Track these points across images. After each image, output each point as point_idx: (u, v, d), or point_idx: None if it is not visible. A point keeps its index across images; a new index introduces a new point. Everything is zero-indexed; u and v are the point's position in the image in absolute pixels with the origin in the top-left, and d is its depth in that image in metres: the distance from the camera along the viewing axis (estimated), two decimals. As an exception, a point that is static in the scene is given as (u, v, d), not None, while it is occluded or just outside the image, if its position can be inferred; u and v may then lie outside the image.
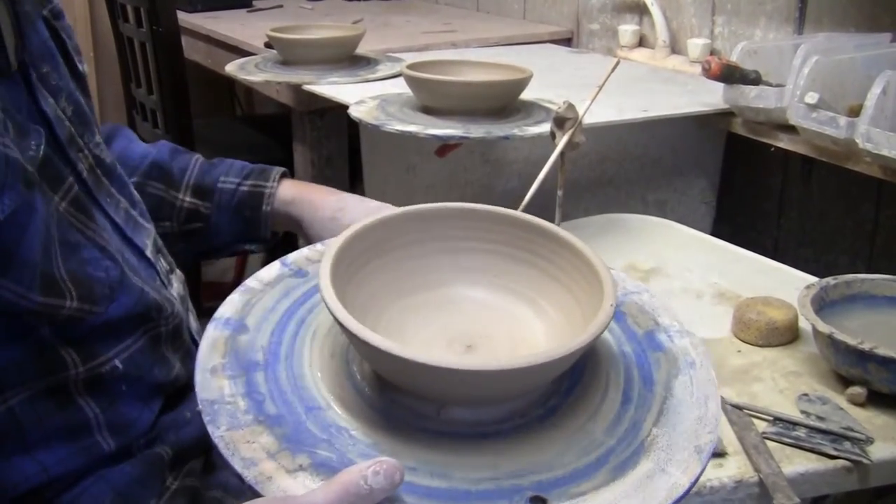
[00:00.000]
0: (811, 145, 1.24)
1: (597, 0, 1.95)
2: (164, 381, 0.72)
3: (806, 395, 0.82)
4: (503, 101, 1.19)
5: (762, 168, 1.66)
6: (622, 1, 1.88)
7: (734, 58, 1.30)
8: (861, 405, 0.80)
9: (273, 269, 0.65)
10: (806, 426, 0.77)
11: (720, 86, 1.32)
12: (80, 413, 0.65)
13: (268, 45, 1.71)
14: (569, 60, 1.79)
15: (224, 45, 2.02)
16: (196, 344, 0.72)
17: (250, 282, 0.63)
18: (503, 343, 0.60)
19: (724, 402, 0.81)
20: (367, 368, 0.56)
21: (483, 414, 0.53)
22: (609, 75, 0.93)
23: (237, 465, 0.48)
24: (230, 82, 2.97)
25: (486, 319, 0.62)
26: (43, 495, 0.64)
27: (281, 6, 2.46)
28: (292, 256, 0.67)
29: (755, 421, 0.78)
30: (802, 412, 0.80)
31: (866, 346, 0.79)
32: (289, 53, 1.59)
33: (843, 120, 1.11)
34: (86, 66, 0.76)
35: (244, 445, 0.49)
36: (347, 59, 1.59)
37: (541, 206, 0.91)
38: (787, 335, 0.92)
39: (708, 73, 1.25)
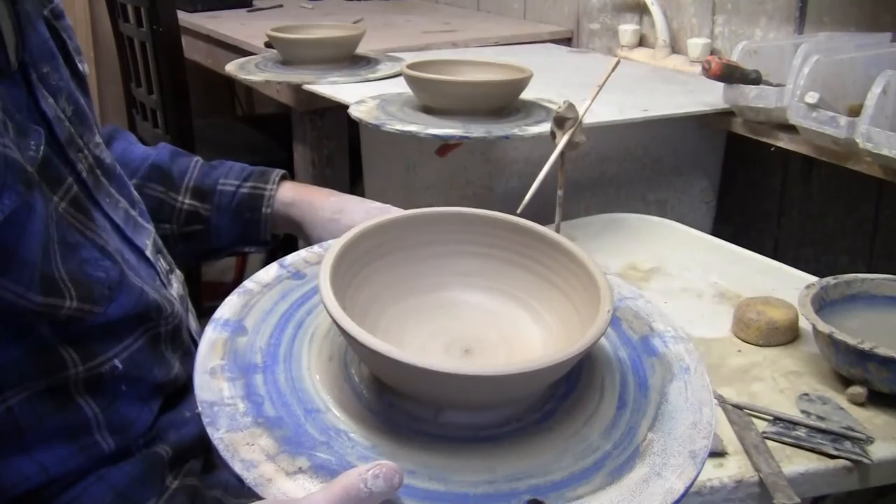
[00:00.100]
0: (811, 145, 1.24)
1: (597, 0, 1.95)
2: (164, 381, 0.72)
3: (806, 394, 0.82)
4: (503, 101, 1.19)
5: (762, 168, 1.66)
6: (622, 0, 1.88)
7: (734, 57, 1.30)
8: (861, 405, 0.80)
9: (271, 270, 0.65)
10: (806, 426, 0.77)
11: (720, 85, 1.32)
12: (79, 413, 0.65)
13: (268, 45, 1.71)
14: (569, 60, 1.79)
15: (224, 44, 2.02)
16: (196, 344, 0.72)
17: (248, 283, 0.63)
18: (500, 347, 0.61)
19: (724, 401, 0.81)
20: (365, 371, 0.56)
21: (480, 418, 0.54)
22: (609, 75, 0.93)
23: (237, 468, 0.48)
24: (230, 82, 2.97)
25: (484, 324, 0.62)
26: (42, 495, 0.64)
27: (281, 6, 2.46)
28: (290, 258, 0.67)
29: (755, 420, 0.78)
30: (803, 412, 0.80)
31: (866, 346, 0.79)
32: (289, 53, 1.59)
33: (843, 120, 1.11)
34: (86, 67, 0.76)
35: (244, 447, 0.49)
36: (348, 58, 1.59)
37: (541, 205, 0.91)
38: (787, 335, 0.92)
39: (708, 72, 1.25)
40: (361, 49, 1.63)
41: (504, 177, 1.37)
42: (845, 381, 0.83)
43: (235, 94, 3.13)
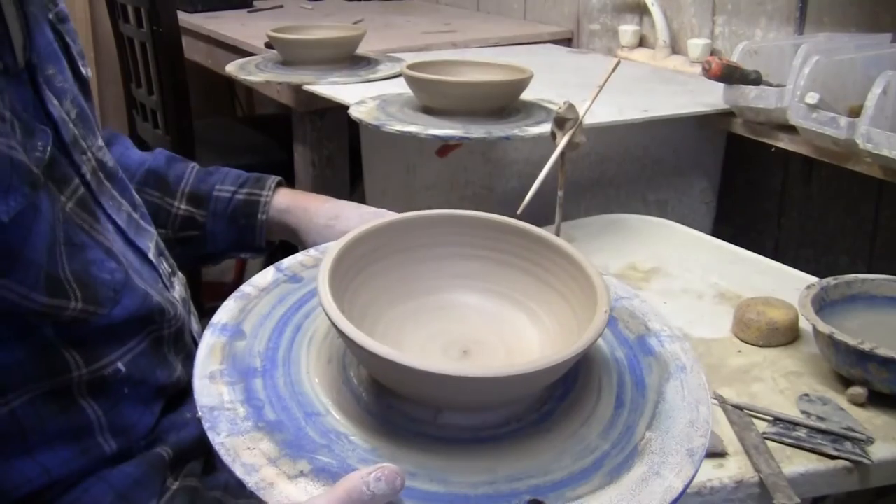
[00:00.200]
0: (811, 145, 1.24)
1: (597, 0, 1.95)
2: (166, 384, 0.72)
3: (806, 395, 0.82)
4: (504, 102, 1.19)
5: (762, 168, 1.66)
6: (622, 1, 1.88)
7: (735, 58, 1.30)
8: (861, 405, 0.81)
9: (268, 274, 0.65)
10: (806, 426, 0.77)
11: (720, 86, 1.32)
12: (82, 415, 0.65)
13: (268, 46, 1.71)
14: (569, 61, 1.79)
15: (224, 45, 2.02)
16: (197, 346, 0.72)
17: (245, 287, 0.63)
18: (498, 349, 0.61)
19: (724, 402, 0.81)
20: (363, 374, 0.57)
21: (479, 419, 0.54)
22: (609, 75, 0.93)
23: (239, 472, 0.48)
24: (230, 83, 2.97)
25: (482, 325, 0.63)
26: (44, 497, 0.64)
27: (281, 6, 2.46)
28: (287, 262, 0.67)
29: (755, 421, 0.78)
30: (803, 412, 0.80)
31: (867, 347, 0.79)
32: (289, 54, 1.59)
33: (843, 120, 1.12)
34: (89, 71, 0.76)
35: (245, 452, 0.50)
36: (348, 59, 1.59)
37: (541, 206, 0.91)
38: (787, 335, 0.92)
39: (708, 73, 1.25)
40: (362, 50, 1.63)
41: (504, 177, 1.37)
42: (845, 382, 0.83)
43: (235, 95, 3.13)
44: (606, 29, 1.94)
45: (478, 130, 1.11)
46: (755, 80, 1.27)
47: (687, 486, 0.51)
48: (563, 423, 0.55)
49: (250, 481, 0.48)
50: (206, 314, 0.63)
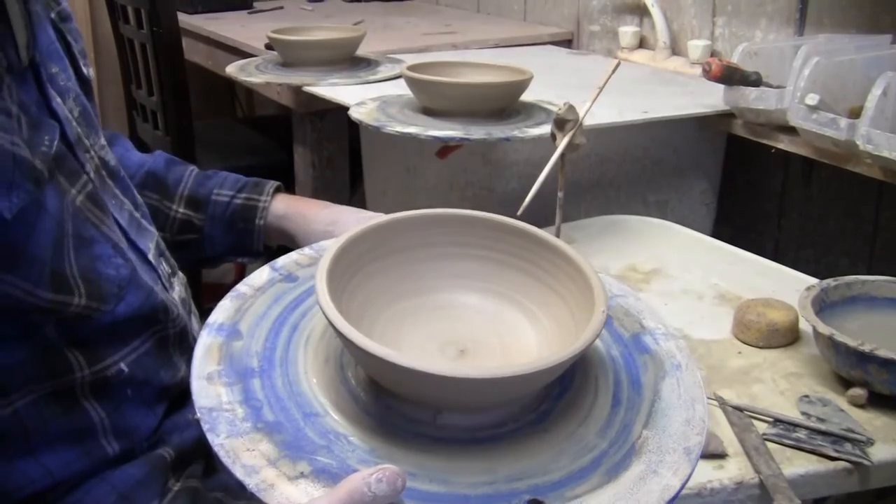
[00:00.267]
0: (812, 147, 1.24)
1: (597, 1, 1.95)
2: (170, 384, 0.72)
3: (806, 396, 0.82)
4: (504, 103, 1.19)
5: (762, 169, 1.66)
6: (623, 2, 1.88)
7: (735, 59, 1.30)
8: (861, 406, 0.80)
9: (263, 273, 0.65)
10: (806, 428, 0.77)
11: (721, 87, 1.32)
12: (85, 417, 0.65)
13: (268, 47, 1.71)
14: (569, 62, 1.79)
15: (224, 46, 2.02)
16: None
17: (241, 287, 0.63)
18: (495, 348, 0.61)
19: (724, 403, 0.81)
20: (361, 374, 0.57)
21: (478, 419, 0.54)
22: (609, 77, 0.93)
23: (239, 473, 0.48)
24: (231, 84, 2.97)
25: (479, 325, 0.63)
26: (46, 498, 0.64)
27: (281, 8, 2.46)
28: (282, 261, 0.67)
29: (756, 422, 0.78)
30: (803, 413, 0.80)
31: (867, 348, 0.79)
32: (289, 55, 1.59)
33: (843, 121, 1.12)
34: (91, 70, 0.76)
35: (245, 453, 0.49)
36: (348, 60, 1.59)
37: (541, 207, 0.91)
38: (787, 336, 0.92)
39: (708, 74, 1.26)
40: (362, 51, 1.63)
41: (504, 178, 1.37)
42: (845, 383, 0.83)
43: (236, 96, 3.13)
44: (606, 30, 1.94)
45: (478, 132, 1.11)
46: (755, 81, 1.27)
47: (684, 485, 0.51)
48: (561, 423, 0.55)
49: (251, 483, 0.48)
50: (206, 315, 0.63)
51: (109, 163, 0.74)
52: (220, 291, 0.63)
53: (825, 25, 1.46)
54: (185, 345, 0.75)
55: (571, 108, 0.94)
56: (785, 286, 1.02)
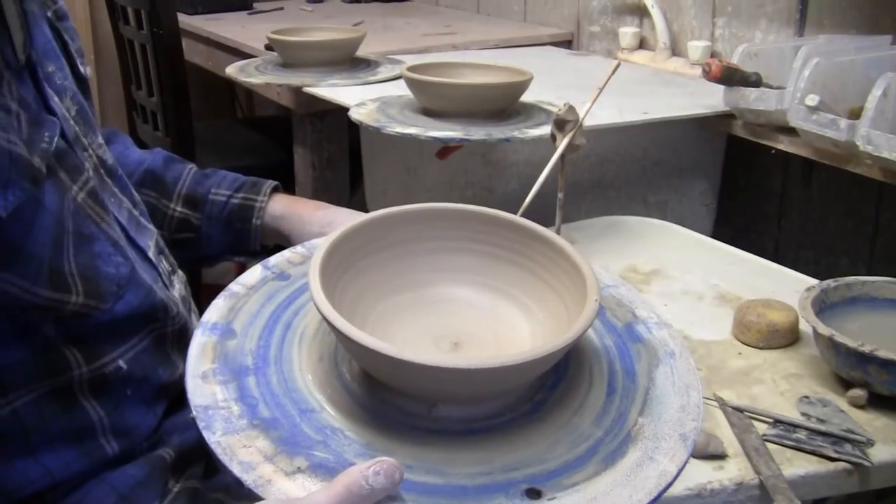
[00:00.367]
0: (812, 147, 1.24)
1: (597, 2, 1.95)
2: (169, 383, 0.72)
3: (806, 397, 0.82)
4: (504, 104, 1.19)
5: (763, 170, 1.66)
6: (623, 3, 1.88)
7: (735, 60, 1.30)
8: (861, 407, 0.80)
9: (255, 272, 0.66)
10: (806, 428, 0.77)
11: (721, 88, 1.32)
12: (84, 416, 0.65)
13: (268, 48, 1.71)
14: (569, 62, 1.79)
15: (224, 47, 2.02)
16: None
17: (234, 286, 0.64)
18: (488, 340, 0.61)
19: (724, 404, 0.81)
20: (356, 369, 0.57)
21: (473, 411, 0.54)
22: (609, 77, 0.93)
23: (236, 470, 0.48)
24: (231, 84, 2.97)
25: (472, 318, 0.63)
26: (46, 499, 0.64)
27: (281, 8, 2.46)
28: (274, 259, 0.67)
29: (756, 423, 0.78)
30: (803, 414, 0.80)
31: (867, 349, 0.79)
32: (289, 56, 1.59)
33: (843, 122, 1.12)
34: (88, 69, 0.76)
35: (241, 450, 0.50)
36: (348, 61, 1.59)
37: (541, 207, 0.91)
38: (787, 337, 0.92)
39: (708, 75, 1.26)
40: (362, 51, 1.63)
41: (504, 179, 1.37)
42: (845, 384, 0.83)
43: (236, 97, 3.13)
44: (606, 31, 1.94)
45: (478, 132, 1.11)
46: (755, 82, 1.27)
47: (681, 470, 0.51)
48: (556, 413, 0.55)
49: (248, 479, 0.48)
50: (205, 314, 0.63)
51: (107, 161, 0.74)
52: (219, 291, 0.63)
53: (825, 26, 1.46)
54: (184, 343, 0.75)
55: (571, 108, 0.94)
56: (785, 287, 1.02)
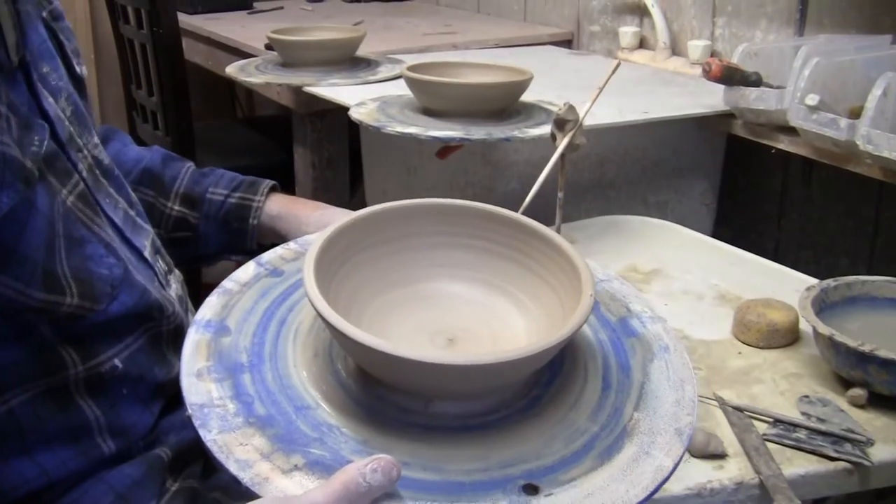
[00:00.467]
0: (812, 147, 1.24)
1: (597, 2, 1.95)
2: (165, 381, 0.72)
3: (806, 396, 0.82)
4: (504, 103, 1.19)
5: (763, 170, 1.66)
6: (623, 3, 1.88)
7: (735, 59, 1.30)
8: (861, 407, 0.80)
9: (249, 269, 0.66)
10: (806, 428, 0.77)
11: (721, 87, 1.32)
12: (80, 414, 0.65)
13: (268, 47, 1.71)
14: (569, 62, 1.79)
15: (224, 46, 2.02)
16: None
17: (227, 283, 0.64)
18: (484, 337, 0.61)
19: (724, 403, 0.81)
20: (351, 366, 0.57)
21: (469, 407, 0.54)
22: (609, 77, 0.93)
23: (232, 468, 0.48)
24: (231, 84, 2.97)
25: (467, 313, 0.63)
26: (42, 498, 0.64)
27: (281, 8, 2.46)
28: (267, 256, 0.67)
29: (756, 423, 0.78)
30: (803, 414, 0.79)
31: (867, 348, 0.79)
32: (289, 55, 1.59)
33: (843, 122, 1.11)
34: (84, 69, 0.76)
35: (238, 448, 0.50)
36: (348, 60, 1.59)
37: (541, 207, 0.91)
38: (787, 337, 0.92)
39: (708, 74, 1.25)
40: (362, 51, 1.63)
41: (504, 179, 1.37)
42: (845, 383, 0.83)
43: (236, 96, 3.13)
44: (606, 30, 1.94)
45: (478, 132, 1.11)
46: (755, 81, 1.27)
47: (677, 465, 0.51)
48: (552, 408, 0.55)
49: (244, 477, 0.48)
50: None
51: (103, 161, 0.74)
52: (218, 291, 0.63)
53: (825, 26, 1.46)
54: (181, 342, 0.75)
55: (571, 108, 0.94)
56: (785, 286, 1.02)
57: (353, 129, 1.67)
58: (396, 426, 0.53)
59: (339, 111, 1.47)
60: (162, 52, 1.91)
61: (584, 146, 0.96)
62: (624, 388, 0.57)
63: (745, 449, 0.75)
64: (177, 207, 0.93)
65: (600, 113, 1.20)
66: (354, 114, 1.20)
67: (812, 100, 1.14)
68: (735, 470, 0.73)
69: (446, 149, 1.24)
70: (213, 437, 0.50)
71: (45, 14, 0.71)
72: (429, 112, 1.20)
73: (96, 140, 0.74)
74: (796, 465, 0.74)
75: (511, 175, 1.37)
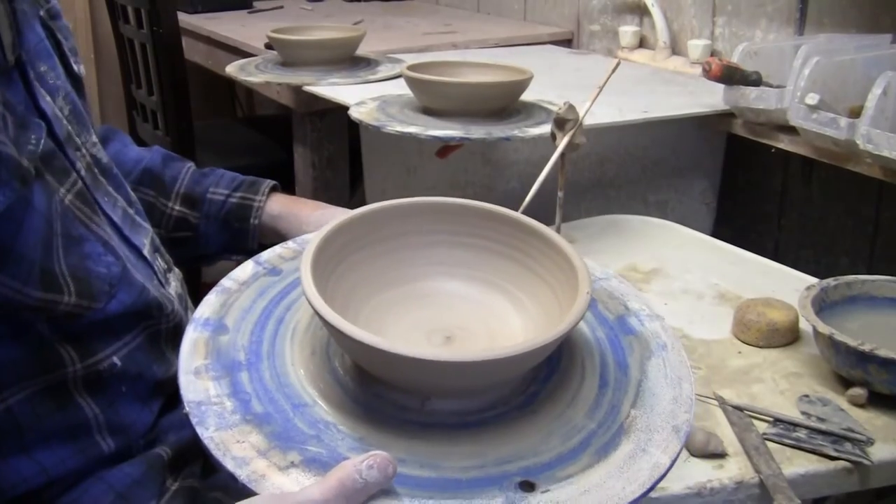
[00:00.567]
0: (812, 146, 1.24)
1: (597, 1, 1.95)
2: (164, 379, 0.72)
3: (806, 396, 0.82)
4: (504, 102, 1.19)
5: (763, 169, 1.66)
6: (623, 2, 1.88)
7: (735, 59, 1.30)
8: (861, 406, 0.80)
9: (247, 268, 0.66)
10: (806, 427, 0.77)
11: (721, 87, 1.32)
12: (79, 412, 0.65)
13: (268, 47, 1.71)
14: (569, 61, 1.79)
15: (224, 46, 2.02)
16: None
17: (225, 281, 0.64)
18: (481, 334, 0.61)
19: (724, 403, 0.81)
20: (348, 363, 0.57)
21: (466, 404, 0.54)
22: (609, 76, 0.93)
23: (229, 465, 0.49)
24: (231, 83, 2.97)
25: (464, 311, 0.63)
26: (42, 497, 0.64)
27: (281, 7, 2.46)
28: (266, 255, 0.68)
29: (756, 422, 0.78)
30: (803, 413, 0.79)
31: (867, 348, 0.79)
32: (289, 54, 1.59)
33: (843, 121, 1.11)
34: (82, 68, 0.76)
35: (235, 445, 0.50)
36: (348, 60, 1.59)
37: (541, 206, 0.91)
38: (787, 336, 0.92)
39: (708, 74, 1.25)
40: (361, 50, 1.63)
41: (504, 178, 1.37)
42: (845, 383, 0.83)
43: (236, 96, 3.13)
44: (606, 30, 1.94)
45: (478, 131, 1.11)
46: (755, 81, 1.27)
47: (674, 462, 0.51)
48: (549, 405, 0.56)
49: (241, 474, 0.48)
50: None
51: (102, 160, 0.74)
52: (218, 290, 0.64)
53: (825, 25, 1.46)
54: (180, 340, 0.75)
55: (571, 107, 0.94)
56: (785, 286, 1.02)
57: (353, 129, 1.67)
58: (393, 423, 0.53)
59: (338, 110, 1.47)
60: (162, 52, 1.90)
61: (583, 145, 0.96)
62: (621, 386, 0.57)
63: (745, 448, 0.75)
64: (177, 207, 0.93)
65: (600, 112, 1.20)
66: (354, 113, 1.20)
67: (812, 99, 1.14)
68: (735, 469, 0.73)
69: (446, 148, 1.24)
70: (210, 435, 0.50)
71: (42, 13, 0.71)
72: (429, 111, 1.20)
73: (94, 139, 0.74)
74: (796, 464, 0.74)
75: (511, 174, 1.37)
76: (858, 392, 0.81)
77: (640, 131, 1.41)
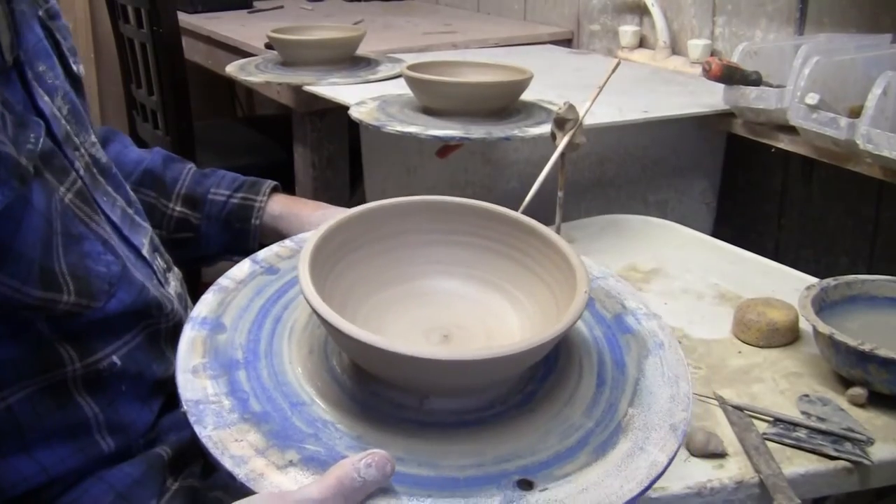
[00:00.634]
0: (812, 146, 1.24)
1: (597, 1, 1.95)
2: (163, 378, 0.72)
3: (806, 395, 0.82)
4: (504, 102, 1.19)
5: (763, 169, 1.66)
6: (623, 2, 1.88)
7: (735, 59, 1.30)
8: (861, 406, 0.80)
9: (244, 266, 0.66)
10: (806, 427, 0.77)
11: (721, 87, 1.32)
12: (79, 412, 0.65)
13: (268, 46, 1.71)
14: (569, 61, 1.79)
15: (224, 45, 2.02)
16: None
17: (223, 280, 0.64)
18: (478, 332, 0.62)
19: (724, 402, 0.81)
20: (346, 362, 0.57)
21: (464, 403, 0.55)
22: (609, 76, 0.93)
23: (227, 464, 0.49)
24: (231, 83, 2.97)
25: (461, 310, 0.63)
26: (42, 496, 0.64)
27: (281, 7, 2.46)
28: (263, 254, 0.68)
29: (756, 422, 0.78)
30: (803, 413, 0.79)
31: (867, 347, 0.78)
32: (289, 54, 1.59)
33: (843, 121, 1.11)
34: (81, 68, 0.76)
35: (233, 444, 0.50)
36: (348, 59, 1.59)
37: (541, 206, 0.91)
38: (787, 336, 0.91)
39: (708, 73, 1.25)
40: (362, 50, 1.63)
41: (504, 178, 1.37)
42: (845, 383, 0.83)
43: (236, 96, 3.13)
44: (606, 29, 1.94)
45: (478, 131, 1.11)
46: (755, 80, 1.27)
47: (672, 460, 0.52)
48: (547, 404, 0.56)
49: (240, 473, 0.48)
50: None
51: (100, 160, 0.74)
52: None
53: (825, 25, 1.46)
54: (178, 340, 0.75)
55: (571, 107, 0.94)
56: (785, 285, 1.02)
57: (353, 129, 1.67)
58: (391, 422, 0.53)
59: (339, 110, 1.47)
60: (162, 52, 1.90)
61: (584, 145, 0.96)
62: (619, 384, 0.57)
63: (745, 448, 0.75)
64: (178, 208, 0.93)
65: (600, 112, 1.20)
66: (354, 113, 1.20)
67: (812, 99, 1.14)
68: (735, 469, 0.73)
69: (446, 148, 1.24)
70: (208, 434, 0.50)
71: (41, 13, 0.71)
72: (429, 111, 1.20)
73: (93, 139, 0.74)
74: (796, 464, 0.74)
75: (511, 174, 1.37)
76: (858, 392, 0.81)
77: (640, 131, 1.41)
